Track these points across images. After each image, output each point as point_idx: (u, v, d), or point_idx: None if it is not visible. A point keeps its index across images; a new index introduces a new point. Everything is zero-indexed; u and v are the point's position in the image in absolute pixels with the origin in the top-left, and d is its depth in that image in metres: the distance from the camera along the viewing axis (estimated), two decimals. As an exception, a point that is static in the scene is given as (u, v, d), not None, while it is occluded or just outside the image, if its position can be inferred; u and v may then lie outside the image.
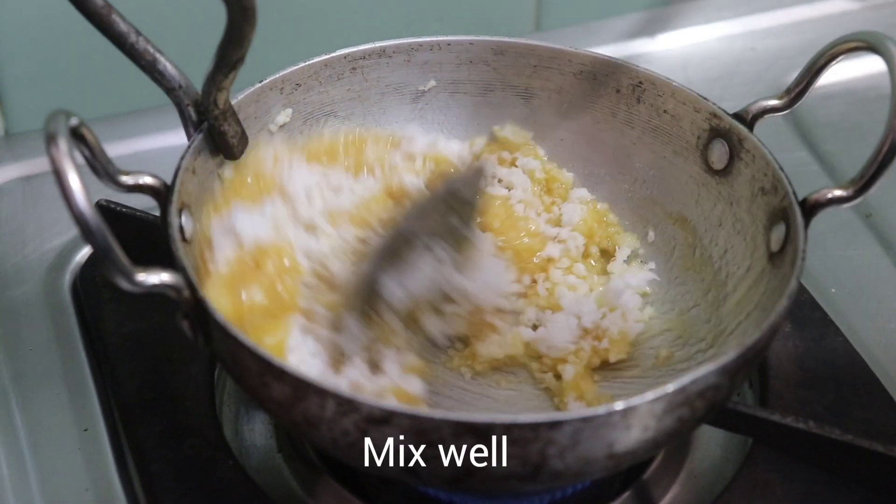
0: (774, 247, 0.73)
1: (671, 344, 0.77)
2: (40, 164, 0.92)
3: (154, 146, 0.93)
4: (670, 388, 0.61)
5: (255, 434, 0.78)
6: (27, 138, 0.96)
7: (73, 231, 0.60)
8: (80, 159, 0.61)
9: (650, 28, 1.07)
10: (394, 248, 0.73)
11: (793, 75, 0.75)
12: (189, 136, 0.73)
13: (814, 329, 0.82)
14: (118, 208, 0.82)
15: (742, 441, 0.77)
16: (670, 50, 1.05)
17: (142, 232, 0.80)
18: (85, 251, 0.86)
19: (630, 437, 0.62)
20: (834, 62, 0.72)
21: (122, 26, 0.69)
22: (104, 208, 0.83)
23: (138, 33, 0.69)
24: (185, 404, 0.76)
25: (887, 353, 0.82)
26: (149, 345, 0.79)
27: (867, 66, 0.90)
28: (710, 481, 0.76)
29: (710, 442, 0.78)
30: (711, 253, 0.78)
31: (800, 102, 0.75)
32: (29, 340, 0.82)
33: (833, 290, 0.87)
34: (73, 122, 0.62)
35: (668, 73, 0.81)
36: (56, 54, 0.94)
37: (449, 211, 0.75)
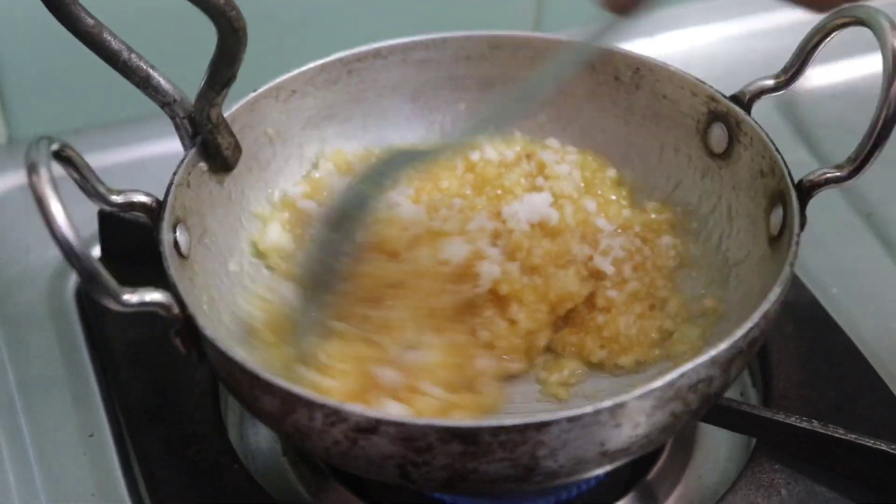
0: (774, 231, 0.72)
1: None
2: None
3: (156, 152, 0.92)
4: (657, 383, 0.60)
5: (259, 438, 0.78)
6: (30, 145, 0.96)
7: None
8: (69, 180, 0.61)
9: (650, 29, 1.07)
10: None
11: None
12: (186, 148, 0.73)
13: (816, 329, 0.82)
14: (120, 214, 0.82)
15: (746, 441, 0.77)
16: (670, 51, 1.05)
17: (144, 239, 0.80)
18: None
19: (621, 434, 0.61)
20: (828, 39, 0.71)
21: (114, 44, 0.68)
22: (107, 216, 0.83)
23: (130, 50, 0.69)
24: (189, 410, 0.76)
25: (890, 351, 0.82)
26: (153, 351, 0.79)
27: (868, 66, 0.90)
28: (715, 481, 0.76)
29: (714, 442, 0.78)
30: (715, 240, 0.78)
31: (796, 83, 0.74)
32: (34, 347, 0.83)
33: (835, 290, 0.87)
34: (55, 146, 0.61)
35: (667, 75, 0.81)
36: (58, 61, 0.94)
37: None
